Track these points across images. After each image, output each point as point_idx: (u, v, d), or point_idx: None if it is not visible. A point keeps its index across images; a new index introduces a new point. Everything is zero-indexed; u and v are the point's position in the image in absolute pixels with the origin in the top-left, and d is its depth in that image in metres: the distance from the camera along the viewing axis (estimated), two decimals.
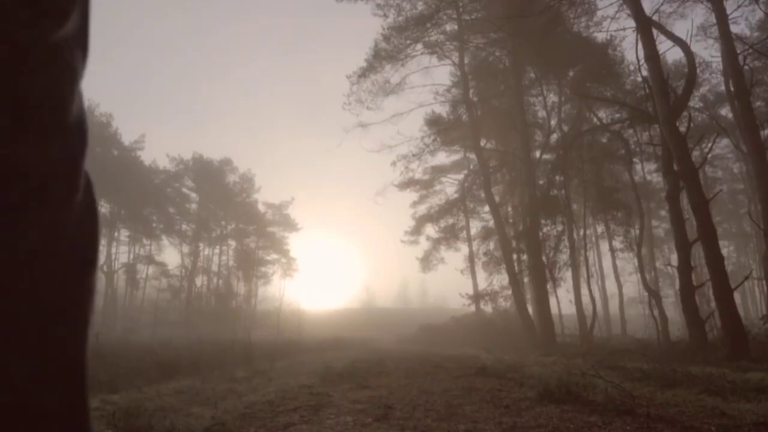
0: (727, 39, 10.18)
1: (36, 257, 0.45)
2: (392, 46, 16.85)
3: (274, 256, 41.25)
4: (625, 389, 3.26)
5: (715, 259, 7.05)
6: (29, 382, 0.43)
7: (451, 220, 21.77)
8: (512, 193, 20.09)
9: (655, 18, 9.76)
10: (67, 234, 0.49)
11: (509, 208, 20.28)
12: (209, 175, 39.68)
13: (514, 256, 15.48)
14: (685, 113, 10.73)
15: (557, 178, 14.09)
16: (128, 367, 6.48)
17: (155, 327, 34.05)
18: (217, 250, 42.09)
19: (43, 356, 0.44)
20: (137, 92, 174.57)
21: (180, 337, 19.96)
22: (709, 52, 35.55)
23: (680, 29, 35.82)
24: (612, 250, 24.10)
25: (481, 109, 17.25)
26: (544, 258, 13.33)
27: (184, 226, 40.19)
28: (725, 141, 25.78)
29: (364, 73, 17.13)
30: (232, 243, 42.09)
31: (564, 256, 14.25)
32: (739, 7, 12.39)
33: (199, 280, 40.74)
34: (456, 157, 24.48)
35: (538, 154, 16.78)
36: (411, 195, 26.74)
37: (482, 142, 17.11)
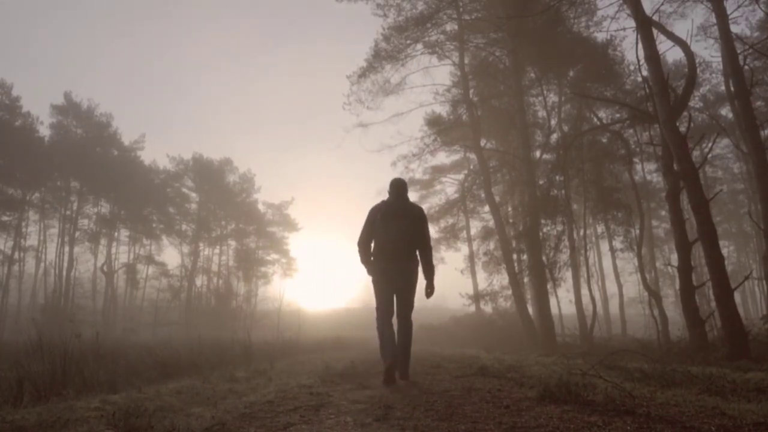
0: (727, 39, 10.17)
1: None
2: (392, 46, 16.84)
3: (274, 256, 41.31)
4: (626, 389, 3.26)
5: (715, 259, 7.04)
6: None
7: (451, 220, 21.76)
8: (512, 193, 20.07)
9: (655, 18, 9.75)
10: None
11: (509, 208, 20.26)
12: (209, 175, 39.67)
13: (514, 256, 15.46)
14: (685, 113, 10.72)
15: (557, 178, 14.07)
16: (128, 367, 6.48)
17: (155, 327, 34.06)
18: (217, 250, 42.13)
19: None
20: (137, 92, 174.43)
21: (180, 337, 19.96)
22: (709, 52, 35.58)
23: (680, 29, 35.83)
24: (612, 250, 24.14)
25: (481, 109, 17.22)
26: (544, 258, 13.31)
27: (184, 226, 40.23)
28: (725, 141, 25.84)
29: (364, 73, 17.12)
30: (232, 243, 42.11)
31: (564, 256, 14.22)
32: (739, 7, 12.39)
33: (199, 280, 40.79)
34: (456, 157, 24.51)
35: (538, 154, 16.77)
36: (411, 195, 26.66)
37: (482, 142, 17.09)
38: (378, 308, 4.54)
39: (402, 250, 4.50)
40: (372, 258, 4.62)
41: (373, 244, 4.65)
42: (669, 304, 26.41)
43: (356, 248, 4.71)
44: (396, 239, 4.48)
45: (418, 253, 4.66)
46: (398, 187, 4.77)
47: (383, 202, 4.75)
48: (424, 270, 4.70)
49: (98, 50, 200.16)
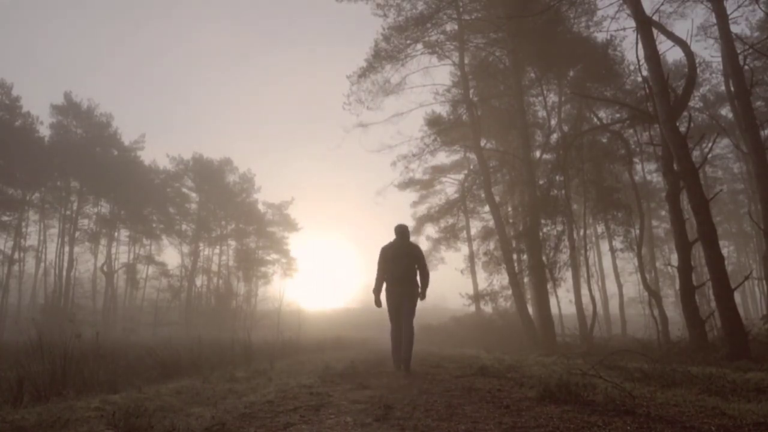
0: (727, 39, 10.17)
1: None
2: (392, 46, 16.83)
3: (274, 256, 41.26)
4: (626, 389, 3.26)
5: (715, 259, 7.04)
6: None
7: (451, 220, 21.75)
8: (512, 193, 20.07)
9: (655, 18, 9.76)
10: None
11: (509, 208, 20.25)
12: (209, 175, 39.63)
13: (514, 256, 15.45)
14: (685, 113, 10.72)
15: (557, 178, 14.06)
16: (128, 367, 6.48)
17: (155, 327, 34.04)
18: (217, 250, 42.09)
19: None
20: (137, 92, 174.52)
21: (180, 337, 19.94)
22: (709, 52, 35.62)
23: (680, 29, 35.88)
24: (612, 250, 24.12)
25: (481, 109, 17.21)
26: (544, 258, 13.31)
27: (184, 226, 40.18)
28: (725, 141, 25.83)
29: (364, 73, 17.10)
30: (232, 243, 42.05)
31: (564, 256, 14.20)
32: (739, 7, 12.39)
33: (199, 280, 40.73)
34: (456, 157, 24.50)
35: (538, 154, 16.75)
36: (411, 195, 26.69)
37: (482, 142, 17.07)
38: (390, 320, 6.37)
39: (407, 279, 6.34)
40: (384, 283, 6.43)
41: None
42: (669, 304, 26.40)
43: (373, 274, 6.52)
44: (403, 271, 6.33)
45: (418, 278, 6.53)
46: (403, 232, 6.60)
47: (391, 243, 6.54)
48: (422, 284, 6.49)
49: (98, 50, 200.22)
